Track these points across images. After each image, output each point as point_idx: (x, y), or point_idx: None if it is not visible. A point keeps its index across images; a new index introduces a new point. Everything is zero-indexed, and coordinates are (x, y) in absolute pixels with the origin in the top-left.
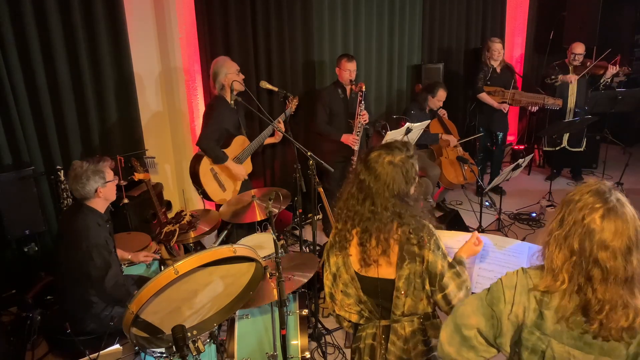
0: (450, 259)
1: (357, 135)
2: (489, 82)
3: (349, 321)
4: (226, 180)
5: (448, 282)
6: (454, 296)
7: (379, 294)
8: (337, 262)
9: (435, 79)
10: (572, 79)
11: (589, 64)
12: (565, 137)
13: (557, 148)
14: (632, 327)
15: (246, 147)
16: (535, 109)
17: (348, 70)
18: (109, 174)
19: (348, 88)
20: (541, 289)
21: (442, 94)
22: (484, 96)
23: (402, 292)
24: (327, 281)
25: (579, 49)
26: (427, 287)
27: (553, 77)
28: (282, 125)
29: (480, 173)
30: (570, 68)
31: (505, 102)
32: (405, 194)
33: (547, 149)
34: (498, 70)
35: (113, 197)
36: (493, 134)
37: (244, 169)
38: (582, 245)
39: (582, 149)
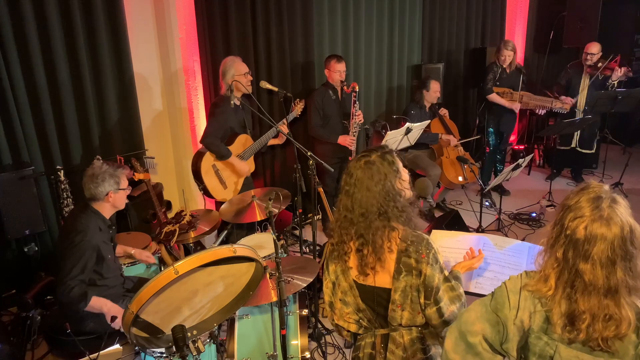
0: (446, 273)
1: (354, 136)
2: (497, 83)
3: (348, 331)
4: (228, 178)
5: (442, 296)
6: (447, 309)
7: (375, 301)
8: (336, 270)
9: (435, 79)
10: (568, 104)
11: (600, 65)
12: (576, 137)
13: (568, 147)
14: (618, 335)
15: (249, 146)
16: (543, 112)
17: (338, 72)
18: (124, 182)
19: (339, 89)
20: (530, 288)
21: (435, 85)
22: (494, 97)
23: (398, 305)
24: (327, 289)
25: (594, 49)
26: (422, 300)
27: (557, 95)
28: (284, 127)
29: (495, 174)
30: (584, 68)
31: (516, 102)
32: (391, 189)
33: (560, 147)
34: (508, 71)
35: (122, 206)
36: (502, 134)
37: (247, 166)
38: (565, 254)
39: (592, 151)
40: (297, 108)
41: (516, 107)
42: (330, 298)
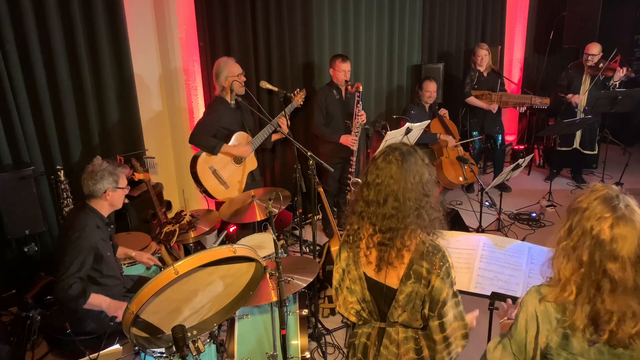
0: (455, 288)
1: (356, 136)
2: (476, 86)
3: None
4: (230, 177)
5: (447, 311)
6: (449, 325)
7: (383, 297)
8: (348, 258)
9: (435, 79)
10: (577, 100)
11: (601, 65)
12: (577, 138)
13: (570, 148)
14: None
15: (249, 142)
16: (522, 109)
17: (343, 71)
18: (123, 181)
19: (343, 88)
20: (549, 299)
21: (427, 85)
22: (472, 100)
23: (400, 305)
24: (337, 274)
25: (594, 49)
26: (426, 311)
27: (562, 95)
28: (284, 120)
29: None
30: (585, 68)
31: (494, 103)
32: (427, 182)
33: (560, 148)
34: (485, 74)
35: (119, 205)
36: (490, 137)
37: (246, 147)
38: (591, 257)
39: (595, 152)
40: (298, 98)
41: (494, 107)
42: (338, 283)
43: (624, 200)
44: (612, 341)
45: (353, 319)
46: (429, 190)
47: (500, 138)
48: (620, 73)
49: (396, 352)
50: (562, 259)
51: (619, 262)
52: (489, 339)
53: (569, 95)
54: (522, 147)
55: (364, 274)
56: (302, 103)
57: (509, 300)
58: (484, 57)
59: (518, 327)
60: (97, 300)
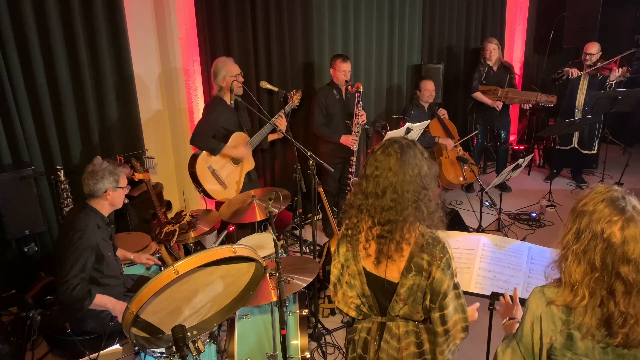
0: (456, 280)
1: (356, 136)
2: (484, 82)
3: (347, 315)
4: (227, 177)
5: (448, 303)
6: (450, 318)
7: (383, 292)
8: (347, 254)
9: (435, 79)
10: (575, 72)
11: (599, 64)
12: (575, 137)
13: (568, 147)
14: None
15: (247, 142)
16: (528, 106)
17: (343, 71)
18: (123, 181)
19: (343, 88)
20: (559, 303)
21: (425, 84)
22: (478, 95)
23: (401, 299)
24: (335, 270)
25: (593, 49)
26: (427, 302)
27: (560, 72)
28: (283, 120)
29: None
30: (584, 68)
31: (499, 100)
32: (426, 175)
33: (560, 147)
34: (494, 69)
35: (119, 205)
36: (495, 132)
37: (245, 149)
38: (604, 260)
39: (594, 152)
40: (294, 99)
41: (498, 105)
42: (337, 278)
43: (630, 201)
44: (625, 344)
45: (353, 313)
46: (428, 184)
47: (504, 134)
48: (617, 73)
49: (397, 346)
50: (571, 263)
51: (631, 265)
52: (489, 339)
53: (566, 68)
54: (522, 147)
55: (364, 268)
56: (297, 104)
57: (507, 296)
58: (492, 51)
59: (524, 330)
60: (103, 301)
